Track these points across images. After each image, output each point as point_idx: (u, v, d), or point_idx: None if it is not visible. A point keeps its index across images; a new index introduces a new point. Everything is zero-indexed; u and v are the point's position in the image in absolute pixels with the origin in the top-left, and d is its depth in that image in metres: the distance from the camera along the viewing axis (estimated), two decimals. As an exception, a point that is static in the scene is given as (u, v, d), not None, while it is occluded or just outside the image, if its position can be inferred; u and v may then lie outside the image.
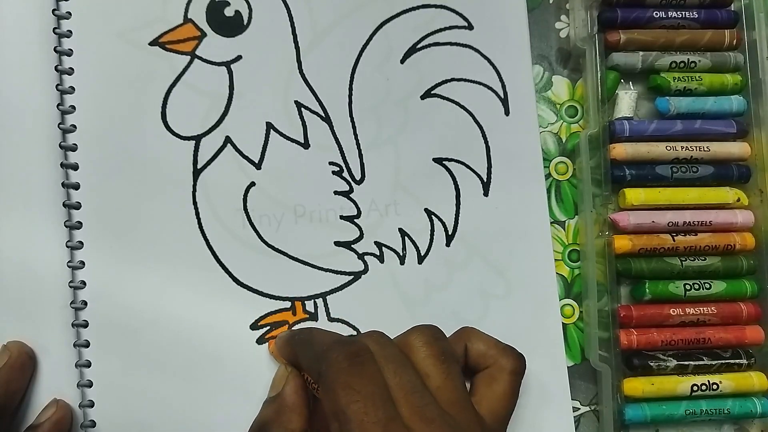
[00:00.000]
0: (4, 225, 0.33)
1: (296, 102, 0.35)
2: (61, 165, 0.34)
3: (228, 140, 0.35)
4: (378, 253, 0.35)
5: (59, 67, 0.34)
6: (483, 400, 0.29)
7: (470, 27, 0.37)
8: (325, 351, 0.27)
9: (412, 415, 0.26)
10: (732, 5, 0.38)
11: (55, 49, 0.34)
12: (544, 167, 0.37)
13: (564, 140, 0.38)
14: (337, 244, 0.35)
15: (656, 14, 0.37)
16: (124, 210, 0.34)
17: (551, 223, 0.37)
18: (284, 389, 0.30)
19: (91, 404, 0.33)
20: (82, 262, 0.33)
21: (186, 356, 0.33)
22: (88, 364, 0.33)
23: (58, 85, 0.34)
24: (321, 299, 0.35)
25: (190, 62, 0.35)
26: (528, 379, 0.33)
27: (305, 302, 0.35)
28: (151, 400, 0.33)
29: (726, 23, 0.37)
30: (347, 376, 0.26)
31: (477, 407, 0.29)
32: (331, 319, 0.35)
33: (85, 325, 0.33)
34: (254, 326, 0.34)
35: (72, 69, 0.34)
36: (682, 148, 0.36)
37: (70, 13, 0.34)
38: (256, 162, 0.35)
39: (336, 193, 0.35)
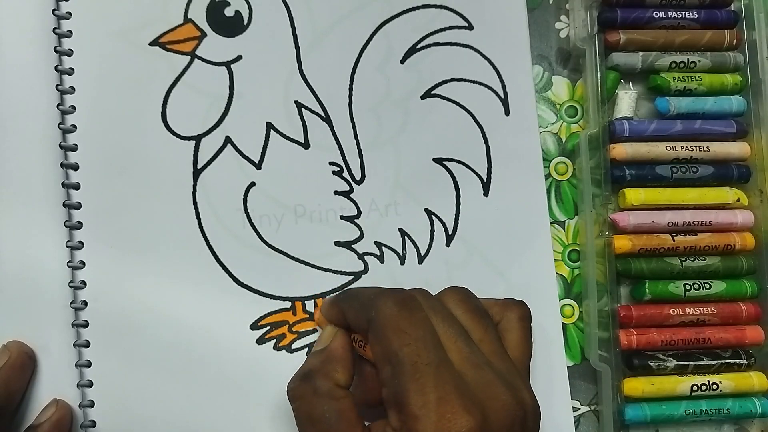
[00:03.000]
0: (4, 225, 0.33)
1: (296, 102, 0.35)
2: (62, 165, 0.34)
3: (228, 140, 0.35)
4: (378, 253, 0.35)
5: (59, 67, 0.34)
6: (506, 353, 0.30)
7: (470, 27, 0.37)
8: (373, 299, 0.28)
9: (461, 360, 0.26)
10: (732, 5, 0.38)
11: (55, 49, 0.34)
12: (544, 167, 0.37)
13: (564, 140, 0.38)
14: (338, 244, 0.35)
15: (656, 14, 0.37)
16: (124, 210, 0.34)
17: (551, 223, 0.37)
18: (332, 343, 0.30)
19: (91, 404, 0.33)
20: (83, 262, 0.33)
21: (186, 356, 0.33)
22: (88, 364, 0.33)
23: (58, 85, 0.34)
24: (321, 299, 0.35)
25: (191, 62, 0.35)
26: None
27: (305, 302, 0.35)
28: (151, 400, 0.33)
29: (726, 23, 0.37)
30: (398, 320, 0.27)
31: None
32: (331, 319, 0.35)
33: (85, 325, 0.33)
34: (254, 326, 0.34)
35: (72, 69, 0.34)
36: (682, 148, 0.36)
37: (70, 13, 0.34)
38: (257, 162, 0.35)
39: (336, 193, 0.35)
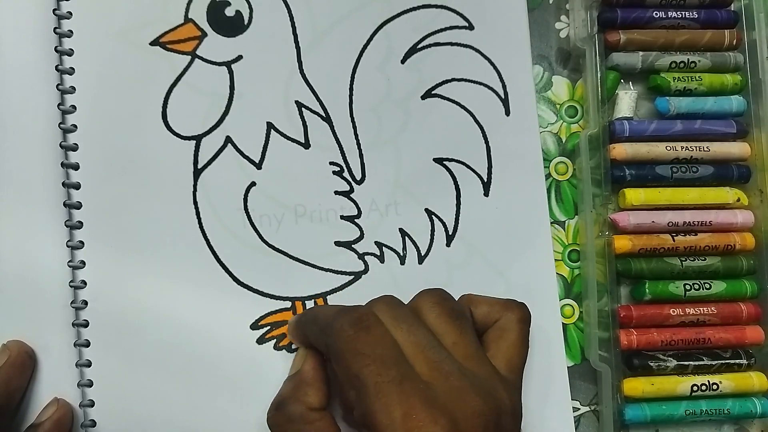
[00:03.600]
0: (4, 225, 0.33)
1: (297, 102, 0.35)
2: (62, 165, 0.34)
3: (228, 140, 0.35)
4: (378, 253, 0.35)
5: (60, 66, 0.34)
6: (497, 353, 0.30)
7: (471, 27, 0.37)
8: (329, 323, 0.27)
9: (430, 370, 0.26)
10: (732, 5, 0.38)
11: (55, 49, 0.34)
12: (544, 167, 0.37)
13: (564, 140, 0.38)
14: (338, 244, 0.35)
15: (656, 14, 0.37)
16: (125, 210, 0.34)
17: (551, 223, 0.37)
18: (303, 366, 0.31)
19: (92, 404, 0.33)
20: (83, 262, 0.33)
21: (186, 356, 0.33)
22: (89, 364, 0.33)
23: (58, 84, 0.34)
24: (321, 299, 0.35)
25: (191, 62, 0.35)
26: (528, 380, 0.33)
27: (305, 302, 0.35)
28: (151, 399, 0.33)
29: (726, 23, 0.37)
30: (355, 342, 0.26)
31: (492, 361, 0.29)
32: (331, 319, 0.35)
33: (86, 324, 0.33)
34: (254, 326, 0.34)
35: (73, 69, 0.34)
36: (682, 148, 0.36)
37: (70, 13, 0.34)
38: (257, 162, 0.35)
39: (336, 193, 0.35)
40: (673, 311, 0.35)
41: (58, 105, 0.34)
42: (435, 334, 0.28)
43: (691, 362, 0.35)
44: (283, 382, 0.32)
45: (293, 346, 0.34)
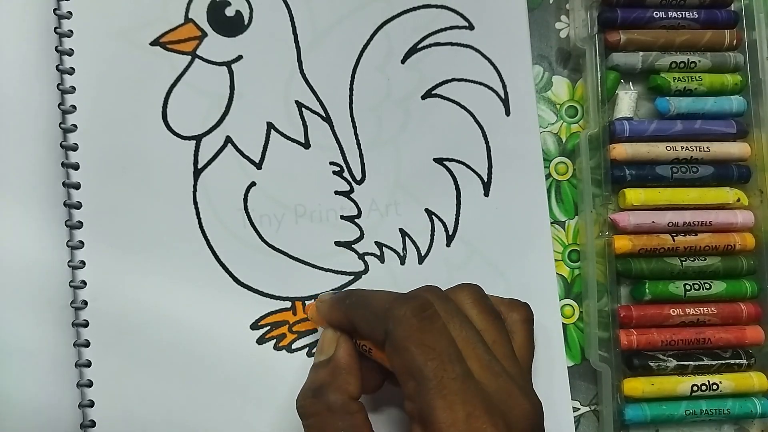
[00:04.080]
0: (4, 224, 0.33)
1: (297, 102, 0.35)
2: (62, 164, 0.34)
3: (228, 140, 0.35)
4: (378, 253, 0.35)
5: (60, 66, 0.34)
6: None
7: (471, 27, 0.37)
8: (388, 309, 0.27)
9: (481, 369, 0.26)
10: (732, 5, 0.38)
11: (56, 49, 0.34)
12: (544, 167, 0.37)
13: (564, 140, 0.38)
14: (338, 244, 0.35)
15: (656, 14, 0.37)
16: (125, 210, 0.34)
17: (551, 223, 0.37)
18: (338, 352, 0.29)
19: (91, 404, 0.33)
20: (83, 262, 0.33)
21: (186, 356, 0.33)
22: (88, 364, 0.33)
23: (59, 84, 0.34)
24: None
25: (191, 62, 0.35)
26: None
27: (306, 302, 0.35)
28: (151, 400, 0.33)
29: (726, 23, 0.37)
30: (419, 333, 0.26)
31: None
32: (331, 319, 0.35)
33: (85, 324, 0.33)
34: (254, 326, 0.34)
35: (73, 69, 0.34)
36: (682, 148, 0.36)
37: (71, 13, 0.34)
38: (257, 162, 0.35)
39: (336, 193, 0.35)
40: (673, 311, 0.35)
41: (58, 105, 0.34)
42: (479, 330, 0.28)
43: (691, 362, 0.35)
44: (310, 371, 0.30)
45: (294, 346, 0.34)
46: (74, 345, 0.33)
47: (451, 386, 0.25)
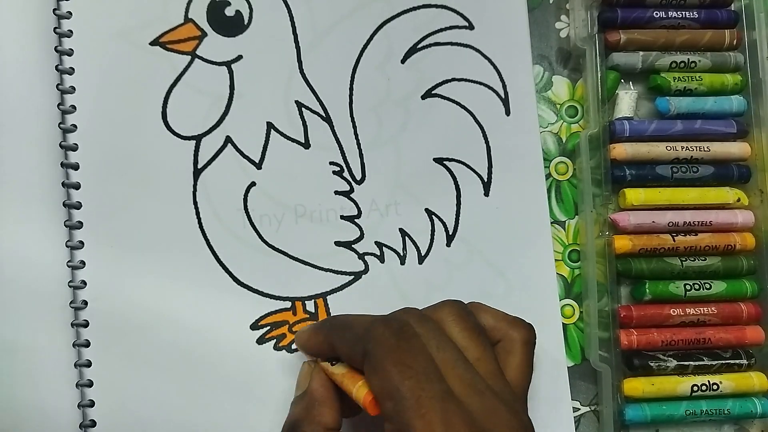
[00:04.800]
0: (4, 224, 0.33)
1: (297, 102, 0.35)
2: (62, 165, 0.34)
3: (228, 140, 0.35)
4: (378, 253, 0.35)
5: (60, 66, 0.34)
6: (503, 372, 0.29)
7: (471, 27, 0.37)
8: (367, 330, 0.27)
9: (462, 387, 0.26)
10: (732, 5, 0.38)
11: (55, 49, 0.34)
12: (544, 167, 0.37)
13: (564, 140, 0.38)
14: (338, 244, 0.35)
15: (656, 14, 0.37)
16: (125, 210, 0.34)
17: (551, 223, 0.37)
18: (311, 385, 0.29)
19: (91, 404, 0.33)
20: (83, 262, 0.33)
21: (186, 356, 0.33)
22: (88, 364, 0.33)
23: (58, 84, 0.34)
24: (321, 299, 0.35)
25: (191, 62, 0.35)
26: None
27: (305, 302, 0.35)
28: (151, 400, 0.33)
29: (726, 23, 0.37)
30: (397, 352, 0.25)
31: None
32: (331, 319, 0.35)
33: (85, 324, 0.33)
34: (254, 326, 0.34)
35: (72, 69, 0.34)
36: (682, 148, 0.36)
37: (70, 13, 0.34)
38: (257, 162, 0.35)
39: (336, 193, 0.35)
40: (674, 311, 0.35)
41: (58, 105, 0.34)
42: (460, 349, 0.27)
43: (691, 362, 0.35)
44: (291, 401, 0.30)
45: (293, 347, 0.34)
46: (74, 345, 0.33)
47: (430, 405, 0.24)
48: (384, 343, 0.26)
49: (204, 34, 0.35)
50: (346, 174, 0.35)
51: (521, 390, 0.29)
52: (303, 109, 0.35)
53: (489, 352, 0.28)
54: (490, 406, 0.25)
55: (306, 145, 0.35)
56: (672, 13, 0.37)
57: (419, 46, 0.36)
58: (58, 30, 0.34)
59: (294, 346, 0.34)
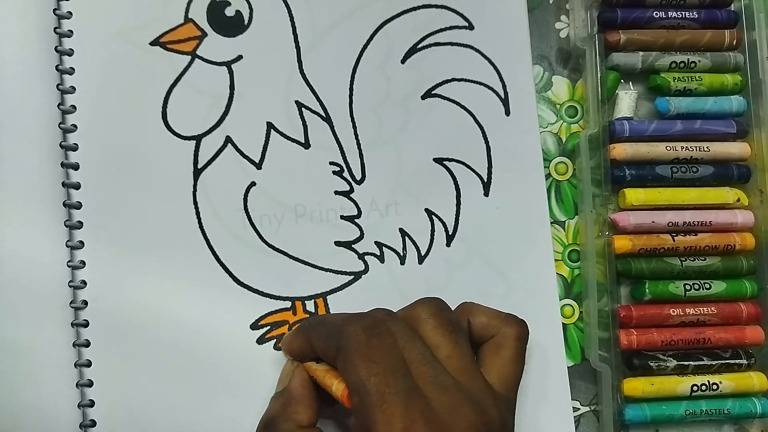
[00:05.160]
0: (4, 224, 0.33)
1: (297, 102, 0.35)
2: (62, 165, 0.34)
3: (228, 140, 0.35)
4: (378, 253, 0.35)
5: (60, 66, 0.34)
6: (492, 368, 0.30)
7: (471, 27, 0.37)
8: (341, 326, 0.27)
9: (426, 384, 0.26)
10: (732, 5, 0.38)
11: (55, 49, 0.34)
12: (544, 167, 0.37)
13: (564, 140, 0.38)
14: (338, 244, 0.35)
15: (656, 14, 0.37)
16: (125, 210, 0.34)
17: (551, 223, 0.37)
18: (291, 383, 0.30)
19: (91, 404, 0.33)
20: (83, 262, 0.33)
21: (186, 356, 0.33)
22: (88, 364, 0.33)
23: (58, 84, 0.34)
24: (321, 299, 0.35)
25: (191, 62, 0.35)
26: (528, 379, 0.33)
27: (305, 302, 0.35)
28: (151, 399, 0.33)
29: (726, 23, 0.37)
30: (366, 348, 0.26)
31: (486, 376, 0.29)
32: (331, 319, 0.35)
33: (85, 324, 0.33)
34: (254, 326, 0.34)
35: (73, 69, 0.34)
36: (682, 148, 0.36)
37: (70, 13, 0.34)
38: (257, 162, 0.35)
39: (336, 193, 0.35)
40: (673, 311, 0.35)
41: (58, 105, 0.34)
42: (430, 346, 0.28)
43: (691, 362, 0.35)
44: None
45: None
46: (74, 345, 0.33)
47: (392, 400, 0.25)
48: (355, 338, 0.26)
49: (204, 34, 0.35)
50: (346, 174, 0.35)
51: (510, 385, 0.30)
52: (303, 109, 0.35)
53: (461, 349, 0.28)
54: (454, 402, 0.26)
55: (306, 145, 0.35)
56: (672, 13, 0.37)
57: (419, 46, 0.36)
58: (58, 30, 0.34)
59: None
